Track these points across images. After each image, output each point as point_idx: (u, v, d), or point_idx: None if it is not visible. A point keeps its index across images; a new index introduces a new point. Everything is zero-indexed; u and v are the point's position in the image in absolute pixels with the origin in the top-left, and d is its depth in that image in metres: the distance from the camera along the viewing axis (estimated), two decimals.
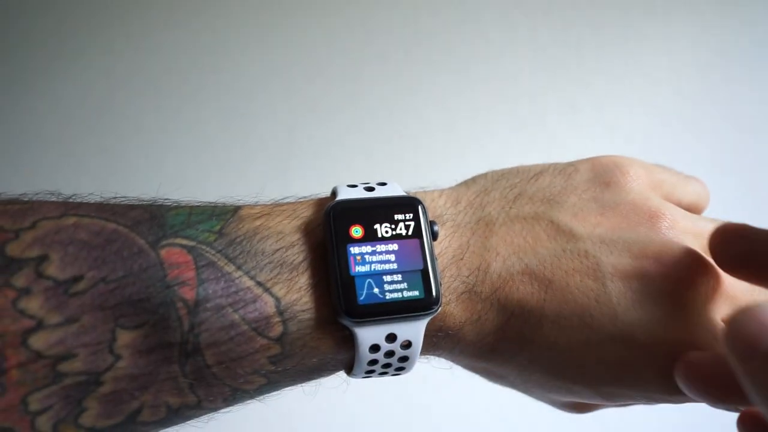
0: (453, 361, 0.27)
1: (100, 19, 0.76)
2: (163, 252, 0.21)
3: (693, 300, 0.23)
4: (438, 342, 0.25)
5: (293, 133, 0.72)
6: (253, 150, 0.72)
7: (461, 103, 0.72)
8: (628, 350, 0.23)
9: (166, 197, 0.24)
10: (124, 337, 0.20)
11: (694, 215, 0.26)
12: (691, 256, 0.24)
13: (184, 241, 0.22)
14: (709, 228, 0.26)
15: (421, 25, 0.74)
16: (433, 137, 0.71)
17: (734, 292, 0.24)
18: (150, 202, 0.23)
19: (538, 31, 0.72)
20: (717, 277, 0.24)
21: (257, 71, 0.74)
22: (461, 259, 0.24)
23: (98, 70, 0.75)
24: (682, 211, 0.26)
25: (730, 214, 0.70)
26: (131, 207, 0.23)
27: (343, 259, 0.22)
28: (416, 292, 0.23)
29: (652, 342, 0.23)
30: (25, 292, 0.20)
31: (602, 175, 0.26)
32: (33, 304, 0.20)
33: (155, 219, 0.22)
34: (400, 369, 0.24)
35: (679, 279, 0.23)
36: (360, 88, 0.73)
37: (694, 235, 0.25)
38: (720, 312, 0.24)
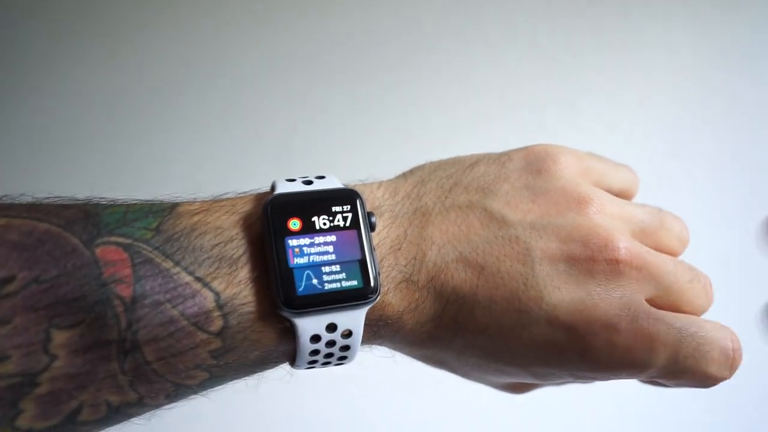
0: (394, 348, 0.27)
1: (98, 21, 0.74)
2: (98, 250, 0.21)
3: (617, 281, 0.24)
4: (378, 331, 0.25)
5: (293, 135, 0.72)
6: (253, 150, 0.72)
7: (461, 104, 0.72)
8: (553, 331, 0.24)
9: (101, 196, 0.24)
10: (59, 337, 0.20)
11: (623, 200, 0.27)
12: (617, 239, 0.25)
13: (120, 239, 0.22)
14: (636, 213, 0.27)
15: (421, 26, 0.74)
16: (432, 137, 0.71)
17: (659, 272, 0.25)
18: (85, 201, 0.23)
19: (538, 32, 0.72)
20: (642, 257, 0.25)
21: (258, 73, 0.73)
22: (399, 249, 0.25)
23: (97, 71, 0.73)
24: (611, 196, 0.27)
25: (730, 214, 0.70)
26: (65, 206, 0.22)
27: (281, 252, 0.23)
28: (355, 282, 0.23)
29: (575, 322, 0.24)
30: None
31: (534, 163, 0.27)
32: None
33: (90, 218, 0.22)
34: (343, 358, 0.25)
35: (603, 260, 0.24)
36: (359, 89, 0.73)
37: (622, 219, 0.26)
38: (645, 292, 0.25)
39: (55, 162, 0.72)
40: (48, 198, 0.23)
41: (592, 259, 0.24)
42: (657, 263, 0.25)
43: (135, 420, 0.23)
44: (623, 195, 0.29)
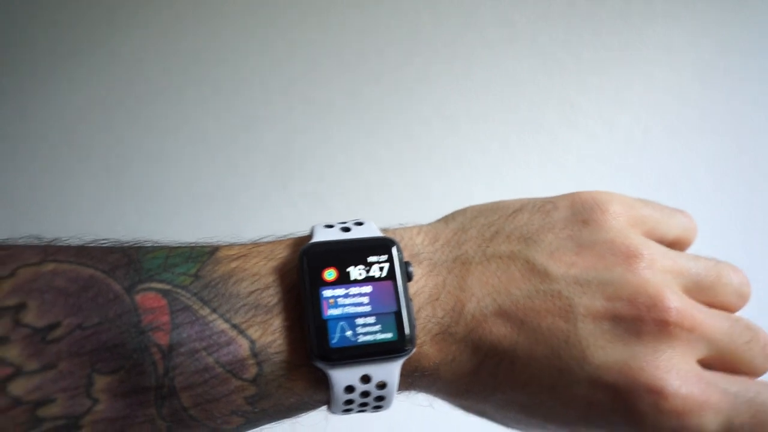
0: (433, 396, 0.27)
1: (97, 21, 0.77)
2: (138, 297, 0.22)
3: (666, 342, 0.23)
4: (414, 381, 0.25)
5: (293, 136, 0.72)
6: (252, 151, 0.73)
7: (461, 104, 0.72)
8: (595, 392, 0.23)
9: (146, 239, 0.25)
10: (101, 382, 0.21)
11: (677, 252, 0.26)
12: (667, 297, 0.23)
13: (160, 285, 0.22)
14: (690, 266, 0.25)
15: (421, 26, 0.73)
16: (432, 137, 0.71)
17: (712, 333, 0.24)
18: (129, 245, 0.24)
19: (538, 31, 0.72)
20: (693, 318, 0.23)
21: (257, 74, 0.74)
22: (437, 299, 0.24)
23: (96, 72, 0.76)
24: (664, 249, 0.25)
25: (730, 214, 0.68)
26: (110, 251, 0.23)
27: (315, 303, 0.23)
28: (390, 335, 0.23)
29: (618, 384, 0.23)
30: (4, 340, 0.20)
31: (581, 213, 0.26)
32: (12, 352, 0.20)
33: (132, 264, 0.23)
34: (378, 407, 0.25)
35: (651, 321, 0.23)
36: (359, 89, 0.73)
37: (674, 274, 0.25)
38: (697, 353, 0.24)
39: (55, 162, 0.74)
40: (95, 241, 0.24)
41: (640, 319, 0.23)
42: (710, 323, 0.24)
43: None
44: (678, 244, 0.27)
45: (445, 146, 0.70)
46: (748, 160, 0.66)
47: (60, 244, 0.23)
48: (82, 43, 0.76)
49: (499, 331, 0.24)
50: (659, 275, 0.24)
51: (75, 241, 0.24)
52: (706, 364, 0.24)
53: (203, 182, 0.72)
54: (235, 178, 0.73)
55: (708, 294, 0.25)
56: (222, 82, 0.74)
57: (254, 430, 0.25)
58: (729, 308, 0.26)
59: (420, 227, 0.27)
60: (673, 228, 0.27)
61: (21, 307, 0.21)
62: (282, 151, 0.72)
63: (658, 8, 0.71)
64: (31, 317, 0.21)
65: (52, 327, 0.21)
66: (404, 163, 0.71)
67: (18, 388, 0.20)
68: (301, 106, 0.73)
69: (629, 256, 0.24)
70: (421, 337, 0.24)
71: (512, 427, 0.27)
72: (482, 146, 0.70)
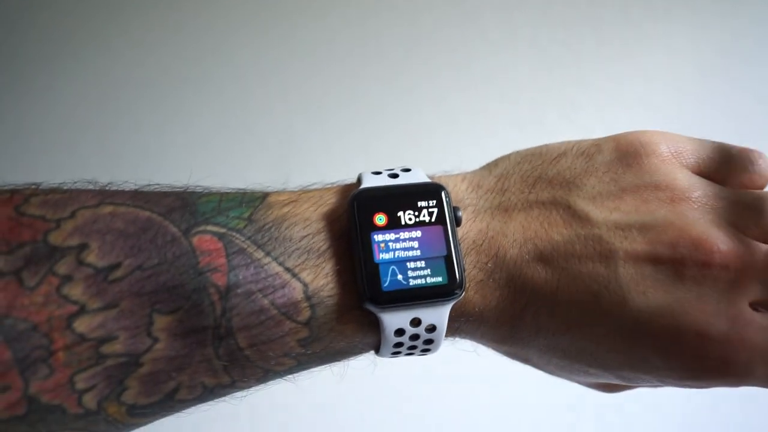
0: (477, 342, 0.27)
1: (96, 19, 0.76)
2: (195, 239, 0.22)
3: (711, 286, 0.23)
4: (460, 326, 0.25)
5: (292, 132, 0.72)
6: (251, 148, 0.73)
7: (461, 102, 0.72)
8: (636, 338, 0.23)
9: (197, 185, 0.25)
10: (161, 322, 0.21)
11: (735, 192, 0.25)
12: (711, 238, 0.23)
13: (215, 228, 0.23)
14: (745, 200, 0.24)
15: (421, 26, 0.73)
16: (432, 136, 0.71)
17: (766, 271, 0.23)
18: (182, 189, 0.24)
19: (538, 30, 0.72)
20: (742, 258, 0.23)
21: (256, 70, 0.74)
22: (480, 245, 0.25)
23: (95, 70, 0.76)
24: (717, 188, 0.25)
25: None
26: (164, 194, 0.24)
27: (367, 247, 0.23)
28: (439, 278, 0.23)
29: (660, 330, 0.23)
30: (68, 279, 0.21)
31: (626, 156, 0.25)
32: (75, 291, 0.21)
33: (187, 206, 0.23)
34: (426, 350, 0.25)
35: (693, 264, 0.23)
36: (358, 87, 0.73)
37: (728, 213, 0.24)
38: (747, 296, 0.23)
39: (53, 160, 0.74)
40: (149, 185, 0.24)
41: (681, 262, 0.23)
42: (765, 262, 0.23)
43: (226, 399, 0.25)
44: (745, 185, 0.26)
45: (444, 146, 0.71)
46: None
47: (115, 188, 0.24)
48: (83, 43, 0.76)
49: (540, 276, 0.24)
50: (708, 216, 0.24)
51: (129, 185, 0.24)
52: (764, 305, 0.23)
53: (203, 181, 0.73)
54: (236, 180, 0.73)
55: (766, 228, 0.24)
56: (222, 81, 0.74)
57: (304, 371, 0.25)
58: None
59: (464, 174, 0.27)
60: (737, 169, 0.26)
61: (83, 247, 0.21)
62: (282, 152, 0.73)
63: (659, 8, 0.71)
64: (93, 257, 0.21)
65: (113, 267, 0.21)
66: (404, 162, 0.71)
67: (82, 325, 0.21)
68: (301, 107, 0.73)
69: (674, 199, 0.24)
70: (467, 283, 0.24)
71: (556, 373, 0.28)
72: (482, 146, 0.71)
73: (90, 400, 0.21)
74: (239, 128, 0.74)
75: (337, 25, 0.74)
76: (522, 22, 0.72)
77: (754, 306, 0.23)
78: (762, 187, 0.26)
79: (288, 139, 0.73)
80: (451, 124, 0.72)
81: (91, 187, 0.23)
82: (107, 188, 0.24)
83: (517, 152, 0.28)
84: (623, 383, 0.26)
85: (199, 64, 0.75)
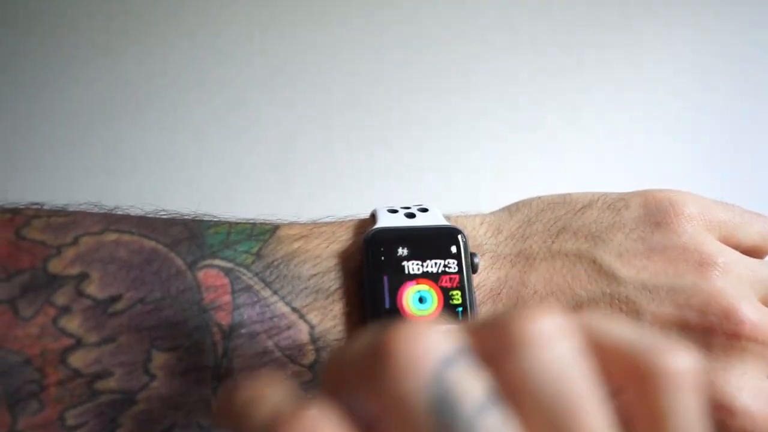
0: None
1: (97, 20, 0.76)
2: (200, 274, 0.21)
3: (737, 357, 0.22)
4: None
5: (295, 137, 0.72)
6: (254, 153, 0.73)
7: (461, 105, 0.72)
8: None
9: (206, 213, 0.24)
10: (159, 359, 0.21)
11: (755, 260, 0.24)
12: (741, 308, 0.22)
13: (222, 263, 0.22)
14: None
15: (420, 25, 0.73)
16: (432, 137, 0.71)
17: None
18: (190, 218, 0.23)
19: (538, 32, 0.71)
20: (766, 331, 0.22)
21: (259, 74, 0.74)
22: (498, 294, 0.24)
23: (96, 70, 0.75)
24: (740, 256, 0.24)
25: None
26: (172, 223, 0.23)
27: (379, 291, 0.22)
28: None
29: None
30: (66, 310, 0.20)
31: (654, 214, 0.25)
32: (73, 323, 0.20)
33: (194, 238, 0.22)
34: None
35: (723, 333, 0.22)
36: (358, 89, 0.73)
37: (750, 283, 0.23)
38: None
39: (53, 161, 0.74)
40: (156, 211, 0.23)
41: (710, 331, 0.22)
42: None
43: None
44: (757, 252, 0.26)
45: (444, 145, 0.70)
46: (749, 160, 0.66)
47: (120, 212, 0.23)
48: (83, 43, 0.75)
49: None
50: (734, 284, 0.23)
51: (135, 211, 0.23)
52: None
53: (204, 182, 0.72)
54: (236, 179, 0.72)
55: None
56: (223, 81, 0.74)
57: None
58: None
59: (483, 217, 0.26)
60: (752, 234, 0.26)
61: (83, 277, 0.20)
62: (283, 152, 0.72)
63: (658, 9, 0.70)
64: (93, 288, 0.20)
65: (114, 300, 0.20)
66: (403, 165, 0.71)
67: (77, 360, 0.20)
68: (302, 108, 0.73)
69: (703, 263, 0.23)
70: None
71: None
72: (482, 146, 0.71)
73: None
74: (239, 128, 0.73)
75: (337, 24, 0.74)
76: (522, 22, 0.72)
77: None
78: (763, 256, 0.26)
79: (288, 139, 0.72)
80: (450, 125, 0.72)
81: (95, 210, 0.23)
82: (113, 212, 0.23)
83: (540, 198, 0.27)
84: None
85: (199, 64, 0.75)
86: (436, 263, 0.23)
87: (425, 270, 0.23)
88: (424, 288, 0.22)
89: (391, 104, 0.72)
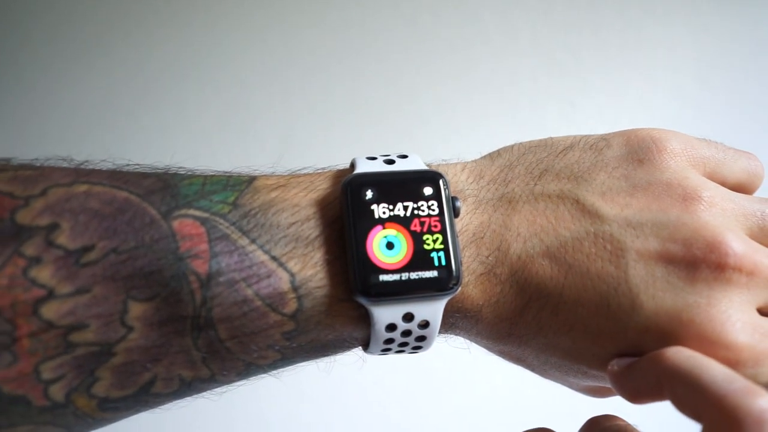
0: (471, 340, 0.26)
1: (97, 18, 0.75)
2: (175, 223, 0.21)
3: (721, 290, 0.22)
4: (455, 322, 0.24)
5: (291, 133, 0.72)
6: (252, 148, 0.73)
7: (461, 103, 0.72)
8: (643, 342, 0.22)
9: (180, 166, 0.24)
10: (136, 309, 0.20)
11: (740, 195, 0.24)
12: (725, 240, 0.22)
13: (198, 213, 0.21)
14: (755, 208, 0.24)
15: (421, 25, 0.73)
16: (432, 136, 0.71)
17: None
18: (163, 170, 0.23)
19: (538, 31, 0.71)
20: (755, 262, 0.22)
21: (256, 69, 0.74)
22: (481, 238, 0.23)
23: (96, 70, 0.74)
24: (725, 191, 0.24)
25: None
26: (144, 175, 0.22)
27: (360, 236, 0.22)
28: (435, 272, 0.22)
29: (669, 335, 0.21)
30: (36, 261, 0.19)
31: (636, 151, 0.24)
32: (44, 274, 0.19)
33: (168, 188, 0.22)
34: (418, 348, 0.24)
35: (706, 266, 0.22)
36: (359, 87, 0.72)
37: (735, 217, 0.23)
38: (757, 301, 0.22)
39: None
40: (127, 165, 0.23)
41: (694, 264, 0.22)
42: None
43: (205, 395, 0.23)
44: (742, 188, 0.26)
45: (444, 145, 0.70)
46: None
47: (91, 167, 0.22)
48: (83, 44, 0.75)
49: (546, 273, 0.23)
50: (719, 218, 0.23)
51: (107, 165, 0.22)
52: None
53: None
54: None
55: None
56: (223, 81, 0.73)
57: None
58: None
59: (465, 164, 0.26)
60: (736, 170, 0.25)
61: (54, 227, 0.20)
62: (282, 151, 0.72)
63: (658, 8, 0.71)
64: (64, 239, 0.20)
65: (86, 249, 0.20)
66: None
67: (50, 311, 0.19)
68: (302, 107, 0.72)
69: (686, 198, 0.23)
70: (465, 277, 0.23)
71: (550, 374, 0.27)
72: (482, 145, 0.70)
73: (57, 392, 0.20)
74: (239, 129, 0.73)
75: (337, 24, 0.73)
76: (522, 22, 0.72)
77: (761, 311, 0.22)
78: (753, 191, 0.26)
79: (288, 140, 0.72)
80: (450, 124, 0.72)
81: (65, 164, 0.22)
82: (83, 167, 0.22)
83: (521, 143, 0.26)
84: None
85: (199, 64, 0.74)
86: (405, 206, 0.22)
87: (394, 214, 0.22)
88: (392, 233, 0.22)
89: (387, 105, 0.72)
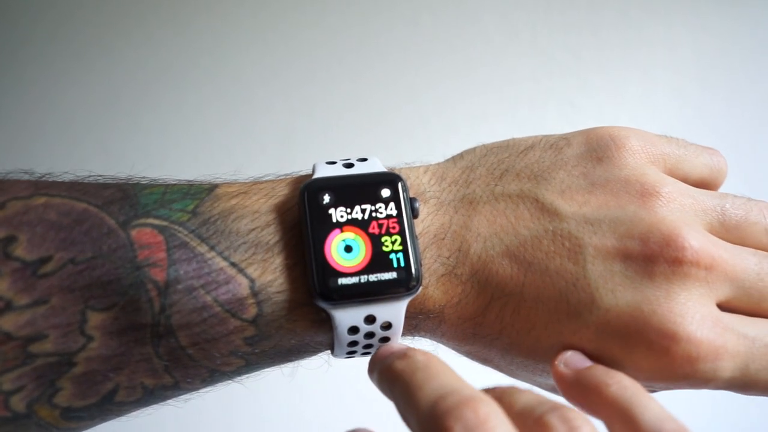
0: (437, 342, 0.26)
1: (97, 18, 0.76)
2: (133, 232, 0.21)
3: (680, 284, 0.22)
4: (419, 324, 0.24)
5: (291, 133, 0.72)
6: (252, 148, 0.73)
7: (461, 103, 0.72)
8: (603, 337, 0.22)
9: (143, 176, 0.24)
10: (95, 319, 0.20)
11: (699, 190, 0.24)
12: (682, 235, 0.22)
13: (156, 221, 0.22)
14: (714, 204, 0.24)
15: (420, 25, 0.73)
16: (432, 136, 0.71)
17: (735, 272, 0.22)
18: (124, 181, 0.23)
19: (538, 31, 0.71)
20: (712, 256, 0.22)
21: (257, 69, 0.74)
22: (442, 239, 0.23)
23: (96, 71, 0.75)
24: (685, 186, 0.24)
25: None
26: (104, 186, 0.22)
27: (318, 240, 0.22)
28: (394, 273, 0.22)
29: (627, 329, 0.21)
30: None
31: (596, 149, 0.24)
32: (1, 286, 0.19)
33: (128, 198, 0.22)
34: None
35: (664, 260, 0.22)
36: (358, 87, 0.73)
37: (694, 212, 0.23)
38: (717, 295, 0.22)
39: (54, 162, 0.74)
40: (89, 177, 0.23)
41: (652, 259, 0.22)
42: (733, 262, 0.22)
43: (171, 402, 0.23)
44: (704, 184, 0.26)
45: (444, 145, 0.70)
46: (749, 160, 0.66)
47: (52, 179, 0.22)
48: (83, 44, 0.75)
49: (506, 272, 0.23)
50: (677, 213, 0.23)
51: (68, 177, 0.23)
52: (731, 306, 0.23)
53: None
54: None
55: (734, 233, 0.23)
56: (223, 81, 0.74)
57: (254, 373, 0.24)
58: (760, 248, 0.24)
59: (427, 166, 0.26)
60: (698, 166, 0.25)
61: (11, 239, 0.20)
62: (282, 153, 0.72)
63: (659, 8, 0.71)
64: (21, 250, 0.20)
65: (44, 261, 0.20)
66: (403, 163, 0.71)
67: (8, 323, 0.19)
68: (302, 108, 0.72)
69: (644, 194, 0.23)
70: (427, 278, 0.23)
71: (518, 374, 0.27)
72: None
73: (18, 403, 0.20)
74: (239, 129, 0.73)
75: (337, 24, 0.74)
76: (522, 21, 0.72)
77: (721, 306, 0.22)
78: (717, 187, 0.26)
79: (288, 140, 0.72)
80: (450, 124, 0.72)
81: (26, 177, 0.22)
82: (44, 179, 0.22)
83: (484, 145, 0.26)
84: None
85: (199, 64, 0.75)
86: (363, 209, 0.22)
87: (352, 217, 0.22)
88: (350, 236, 0.22)
89: (387, 104, 0.72)
